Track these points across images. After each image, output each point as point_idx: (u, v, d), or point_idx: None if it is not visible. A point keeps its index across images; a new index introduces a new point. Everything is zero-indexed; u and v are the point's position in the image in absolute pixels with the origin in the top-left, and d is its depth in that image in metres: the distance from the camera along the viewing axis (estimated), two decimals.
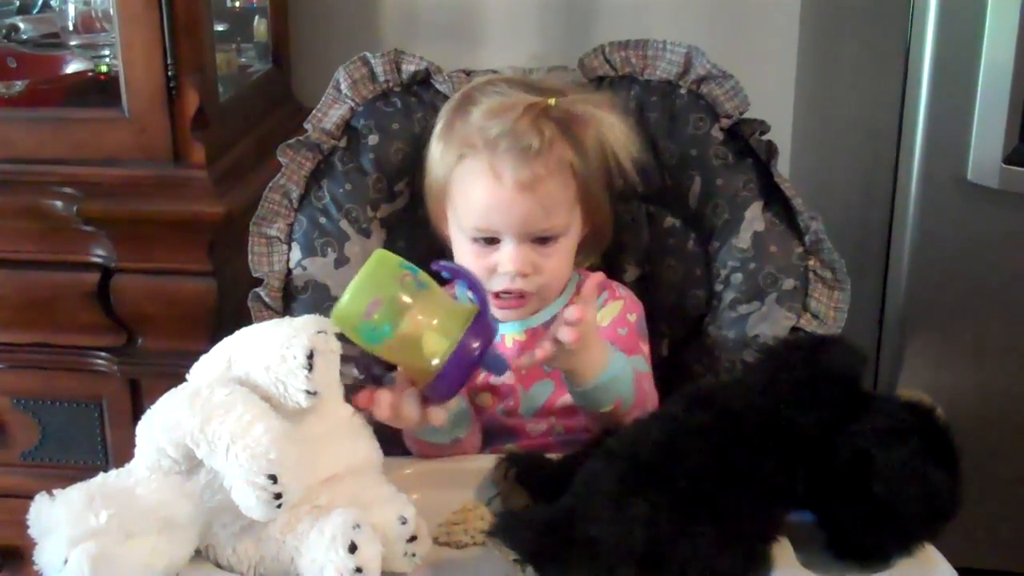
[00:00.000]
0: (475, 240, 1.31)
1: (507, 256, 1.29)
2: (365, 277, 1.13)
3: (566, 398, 1.32)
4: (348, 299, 1.11)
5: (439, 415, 1.16)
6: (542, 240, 1.31)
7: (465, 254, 1.33)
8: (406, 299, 1.11)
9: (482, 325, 1.13)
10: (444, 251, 1.42)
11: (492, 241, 1.30)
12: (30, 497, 0.98)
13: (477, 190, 1.30)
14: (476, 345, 1.12)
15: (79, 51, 1.82)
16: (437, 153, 1.35)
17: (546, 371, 1.34)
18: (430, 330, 1.11)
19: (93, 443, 1.74)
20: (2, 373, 1.74)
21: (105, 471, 1.02)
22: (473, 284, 1.17)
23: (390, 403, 1.15)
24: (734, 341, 1.42)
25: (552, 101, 1.32)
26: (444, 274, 1.20)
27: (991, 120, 1.62)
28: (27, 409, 1.74)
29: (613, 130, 1.36)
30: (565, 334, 1.16)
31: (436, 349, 1.11)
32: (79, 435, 1.74)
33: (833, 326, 1.41)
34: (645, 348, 1.40)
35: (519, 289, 1.31)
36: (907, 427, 1.04)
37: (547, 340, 1.19)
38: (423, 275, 1.15)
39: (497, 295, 1.31)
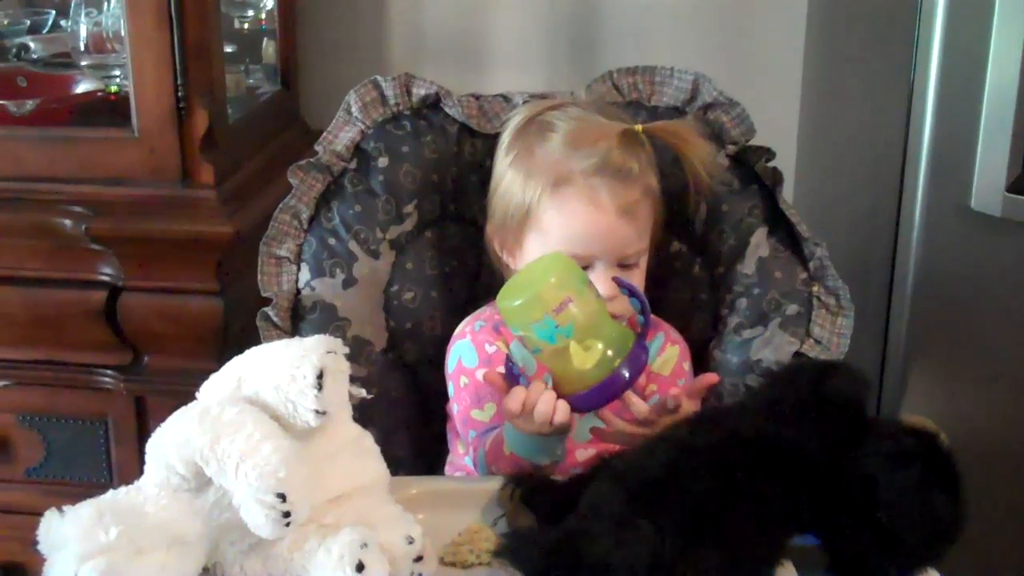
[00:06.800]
0: None
1: (602, 281, 1.29)
2: (565, 269, 1.18)
3: None
4: (553, 282, 1.14)
5: (564, 413, 1.19)
6: (626, 264, 1.33)
7: None
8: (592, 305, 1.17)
9: (637, 354, 1.18)
10: (454, 273, 1.43)
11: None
12: (35, 514, 0.97)
13: (576, 218, 1.31)
14: (627, 375, 1.17)
15: (90, 71, 1.83)
16: (517, 181, 1.35)
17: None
18: (595, 347, 1.16)
19: (98, 461, 1.74)
20: (8, 390, 1.74)
21: (112, 488, 1.03)
22: (644, 308, 1.22)
23: (522, 399, 1.19)
24: (738, 365, 1.43)
25: (639, 127, 1.35)
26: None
27: (995, 148, 1.63)
28: (32, 426, 1.75)
29: (699, 153, 1.38)
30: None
31: (595, 370, 1.16)
32: (84, 452, 1.74)
33: (836, 352, 1.41)
34: None
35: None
36: (911, 452, 1.04)
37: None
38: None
39: None
